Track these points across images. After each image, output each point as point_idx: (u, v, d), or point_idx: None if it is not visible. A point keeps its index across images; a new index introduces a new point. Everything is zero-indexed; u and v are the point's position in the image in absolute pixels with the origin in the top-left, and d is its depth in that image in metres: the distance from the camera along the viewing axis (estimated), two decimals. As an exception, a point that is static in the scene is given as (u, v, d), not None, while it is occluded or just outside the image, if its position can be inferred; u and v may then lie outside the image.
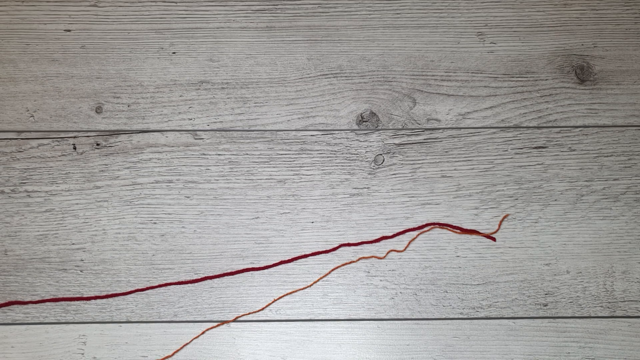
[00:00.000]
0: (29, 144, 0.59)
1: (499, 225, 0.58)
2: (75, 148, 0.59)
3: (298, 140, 0.60)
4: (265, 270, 0.57)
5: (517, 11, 0.63)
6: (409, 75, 0.61)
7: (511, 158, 0.59)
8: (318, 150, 0.59)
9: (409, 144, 0.60)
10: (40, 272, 0.57)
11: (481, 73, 0.61)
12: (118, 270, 0.57)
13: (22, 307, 0.56)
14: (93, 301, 0.56)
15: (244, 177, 0.59)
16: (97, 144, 0.59)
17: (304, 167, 0.59)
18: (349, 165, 0.59)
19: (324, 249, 0.57)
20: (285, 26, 0.62)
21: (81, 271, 0.57)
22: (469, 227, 0.58)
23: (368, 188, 0.59)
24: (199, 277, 0.57)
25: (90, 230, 0.57)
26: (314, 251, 0.57)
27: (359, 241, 0.57)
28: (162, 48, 0.61)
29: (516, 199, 0.58)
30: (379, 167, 0.59)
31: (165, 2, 0.62)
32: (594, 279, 0.57)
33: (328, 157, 0.59)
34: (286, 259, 0.57)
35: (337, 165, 0.59)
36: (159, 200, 0.58)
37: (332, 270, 0.57)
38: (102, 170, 0.59)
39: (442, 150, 0.59)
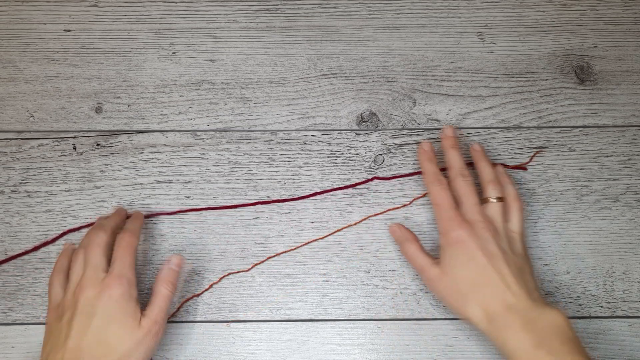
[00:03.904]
0: (29, 144, 0.59)
1: (531, 159, 0.58)
2: (75, 148, 0.59)
3: (298, 141, 0.60)
4: (265, 270, 0.57)
5: (517, 11, 0.63)
6: (409, 75, 0.61)
7: (511, 158, 0.59)
8: (318, 150, 0.59)
9: (409, 144, 0.60)
10: (40, 272, 0.57)
11: (481, 73, 0.61)
12: (118, 270, 0.57)
13: (22, 307, 0.56)
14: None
15: (244, 177, 0.59)
16: (97, 144, 0.59)
17: (304, 167, 0.59)
18: (349, 166, 0.59)
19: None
20: (285, 26, 0.62)
21: (81, 271, 0.57)
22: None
23: (368, 188, 0.59)
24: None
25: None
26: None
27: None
28: (162, 48, 0.61)
29: (516, 199, 0.58)
30: (379, 167, 0.59)
31: (165, 2, 0.62)
32: (594, 279, 0.57)
33: (328, 157, 0.59)
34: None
35: (337, 166, 0.59)
36: (159, 200, 0.58)
37: (384, 213, 0.57)
38: (102, 170, 0.59)
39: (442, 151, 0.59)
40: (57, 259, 0.53)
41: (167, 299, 0.49)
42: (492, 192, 0.52)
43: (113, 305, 0.46)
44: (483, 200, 0.52)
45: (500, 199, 0.52)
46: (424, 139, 0.60)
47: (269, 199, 0.58)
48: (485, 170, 0.53)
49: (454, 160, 0.53)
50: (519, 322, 0.46)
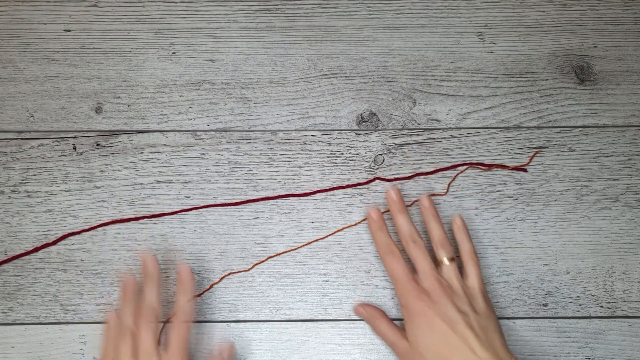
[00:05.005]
0: (29, 144, 0.59)
1: (530, 159, 0.58)
2: (75, 148, 0.59)
3: (298, 141, 0.60)
4: (265, 270, 0.57)
5: (517, 11, 0.63)
6: (409, 75, 0.61)
7: (511, 158, 0.59)
8: (318, 150, 0.59)
9: (409, 144, 0.60)
10: (40, 272, 0.57)
11: (481, 73, 0.61)
12: (118, 270, 0.57)
13: (22, 307, 0.56)
14: (93, 301, 0.56)
15: (244, 177, 0.59)
16: (97, 144, 0.59)
17: (304, 167, 0.59)
18: (349, 166, 0.59)
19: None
20: (285, 26, 0.62)
21: (81, 271, 0.57)
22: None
23: (368, 188, 0.59)
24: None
25: (90, 230, 0.57)
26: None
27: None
28: (162, 48, 0.61)
29: (516, 199, 0.58)
30: (379, 167, 0.59)
31: (165, 2, 0.62)
32: (594, 279, 0.57)
33: (328, 157, 0.59)
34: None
35: (337, 166, 0.59)
36: (159, 200, 0.58)
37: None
38: (102, 171, 0.59)
39: (442, 151, 0.59)
40: (102, 344, 0.52)
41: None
42: (442, 254, 0.52)
43: None
44: (436, 263, 0.52)
45: (453, 259, 0.52)
46: (424, 139, 0.60)
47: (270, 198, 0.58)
48: (433, 232, 0.53)
49: (403, 226, 0.53)
50: None
